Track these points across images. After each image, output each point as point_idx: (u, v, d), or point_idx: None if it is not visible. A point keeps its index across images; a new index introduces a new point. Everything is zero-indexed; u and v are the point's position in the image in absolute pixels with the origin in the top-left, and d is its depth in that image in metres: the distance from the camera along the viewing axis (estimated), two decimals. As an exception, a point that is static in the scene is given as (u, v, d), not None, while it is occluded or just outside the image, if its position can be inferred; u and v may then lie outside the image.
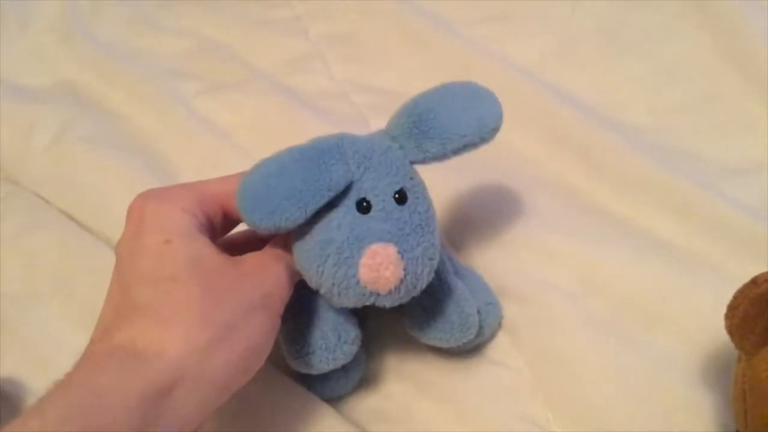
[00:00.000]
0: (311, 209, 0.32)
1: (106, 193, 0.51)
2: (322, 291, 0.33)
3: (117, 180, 0.51)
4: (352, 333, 0.37)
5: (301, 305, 0.36)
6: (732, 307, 0.31)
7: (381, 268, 0.31)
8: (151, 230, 0.32)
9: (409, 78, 0.57)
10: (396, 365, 0.42)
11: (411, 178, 0.34)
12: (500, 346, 0.43)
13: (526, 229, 0.47)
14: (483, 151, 0.51)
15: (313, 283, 0.33)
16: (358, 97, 0.57)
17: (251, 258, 0.34)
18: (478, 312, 0.39)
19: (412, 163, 0.35)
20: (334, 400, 0.41)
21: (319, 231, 0.32)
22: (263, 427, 0.38)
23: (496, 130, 0.35)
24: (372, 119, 0.55)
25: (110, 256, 0.46)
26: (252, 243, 0.36)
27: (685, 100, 0.53)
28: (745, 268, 0.41)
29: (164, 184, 0.49)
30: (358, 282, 0.32)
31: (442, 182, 0.48)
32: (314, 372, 0.37)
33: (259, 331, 0.32)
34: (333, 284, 0.32)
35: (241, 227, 0.38)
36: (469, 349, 0.42)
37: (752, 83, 0.52)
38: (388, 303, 0.33)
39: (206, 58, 0.60)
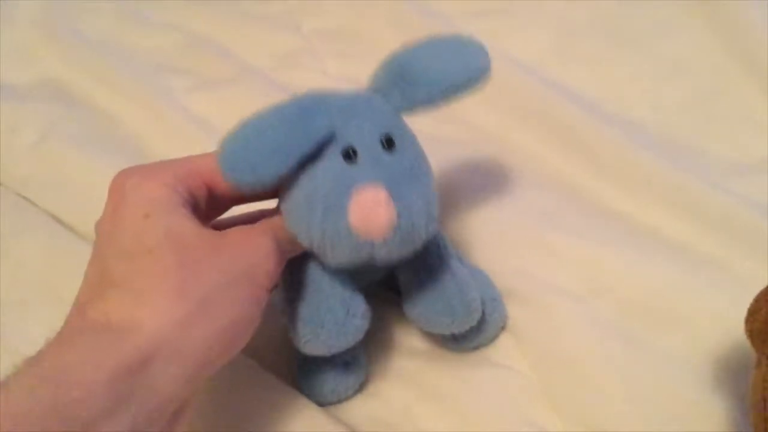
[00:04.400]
0: (294, 159, 0.31)
1: (94, 193, 0.48)
2: (315, 248, 0.32)
3: (105, 180, 0.48)
4: (360, 307, 0.36)
5: (304, 284, 0.36)
6: (753, 311, 0.30)
7: (371, 211, 0.30)
8: (130, 205, 0.31)
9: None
10: (396, 369, 0.41)
11: (398, 126, 0.33)
12: (504, 348, 0.42)
13: (530, 229, 0.46)
14: (485, 148, 0.51)
15: (305, 241, 0.32)
16: (353, 93, 0.56)
17: (235, 231, 0.33)
18: (482, 304, 0.38)
19: (401, 112, 0.34)
20: (333, 405, 0.40)
21: (305, 184, 0.32)
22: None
23: (483, 70, 0.34)
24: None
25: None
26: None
27: (689, 96, 0.52)
28: (753, 267, 0.42)
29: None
30: (349, 230, 0.30)
31: (444, 181, 0.48)
32: (326, 353, 0.36)
33: (241, 304, 0.31)
34: (324, 236, 0.31)
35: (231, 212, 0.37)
36: (472, 349, 0.41)
37: (756, 78, 0.52)
38: (384, 254, 0.31)
39: (196, 53, 0.59)
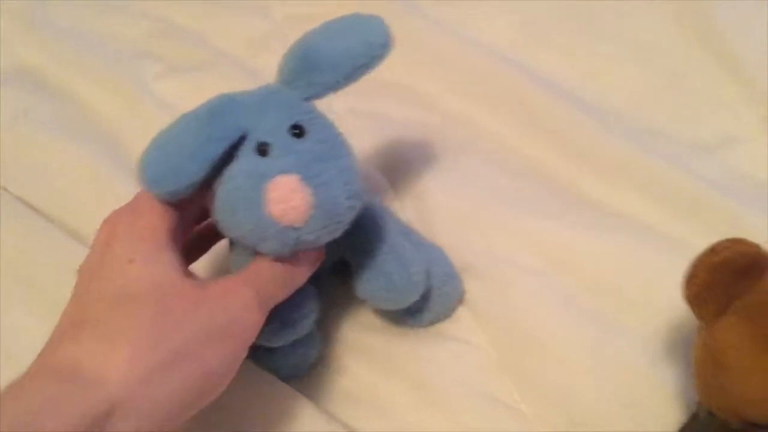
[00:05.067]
0: (208, 162, 0.31)
1: (66, 180, 0.50)
2: (250, 243, 0.33)
3: (78, 167, 0.51)
4: (312, 305, 0.37)
5: None
6: (691, 276, 0.31)
7: (286, 199, 0.31)
8: (116, 248, 0.32)
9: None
10: (360, 345, 0.42)
11: (308, 113, 0.34)
12: (463, 323, 0.42)
13: (496, 209, 0.46)
14: (455, 133, 0.51)
15: (241, 239, 0.33)
16: (324, 79, 0.56)
17: (218, 282, 0.33)
18: (429, 278, 0.39)
19: (309, 99, 0.34)
20: (294, 379, 0.40)
21: (226, 185, 0.32)
22: (233, 414, 0.38)
23: (384, 46, 0.35)
24: (337, 102, 0.54)
25: (72, 246, 0.45)
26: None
27: (659, 81, 0.52)
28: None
29: (126, 170, 0.49)
30: (271, 220, 0.31)
31: (411, 164, 0.49)
32: (273, 345, 0.37)
33: (216, 358, 0.31)
34: (252, 230, 0.32)
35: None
36: (428, 324, 0.42)
37: (725, 63, 0.52)
38: (313, 237, 0.32)
39: (168, 40, 0.59)
